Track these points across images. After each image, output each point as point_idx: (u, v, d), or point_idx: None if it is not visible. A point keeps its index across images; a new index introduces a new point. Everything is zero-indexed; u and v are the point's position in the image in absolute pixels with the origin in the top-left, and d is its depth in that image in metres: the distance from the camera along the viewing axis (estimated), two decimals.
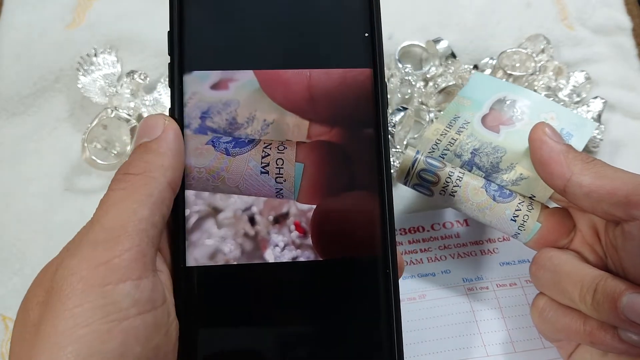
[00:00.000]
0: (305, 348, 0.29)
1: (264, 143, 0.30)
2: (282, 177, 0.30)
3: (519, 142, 0.38)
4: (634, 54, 0.55)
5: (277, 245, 0.29)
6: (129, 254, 0.25)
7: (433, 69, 0.52)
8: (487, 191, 0.38)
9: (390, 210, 0.30)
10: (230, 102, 0.30)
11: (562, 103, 0.50)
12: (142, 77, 0.49)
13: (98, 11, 0.55)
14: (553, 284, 0.35)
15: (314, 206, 0.30)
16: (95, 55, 0.51)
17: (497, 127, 0.40)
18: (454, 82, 0.50)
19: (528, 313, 0.41)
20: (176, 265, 0.29)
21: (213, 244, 0.29)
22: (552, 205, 0.38)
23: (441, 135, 0.40)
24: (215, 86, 0.30)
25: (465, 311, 0.43)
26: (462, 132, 0.40)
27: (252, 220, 0.30)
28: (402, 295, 0.44)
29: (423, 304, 0.44)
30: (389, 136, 0.46)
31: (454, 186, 0.38)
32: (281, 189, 0.30)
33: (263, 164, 0.30)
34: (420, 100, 0.51)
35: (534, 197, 0.38)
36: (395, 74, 0.51)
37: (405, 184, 0.39)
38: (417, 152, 0.39)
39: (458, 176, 0.38)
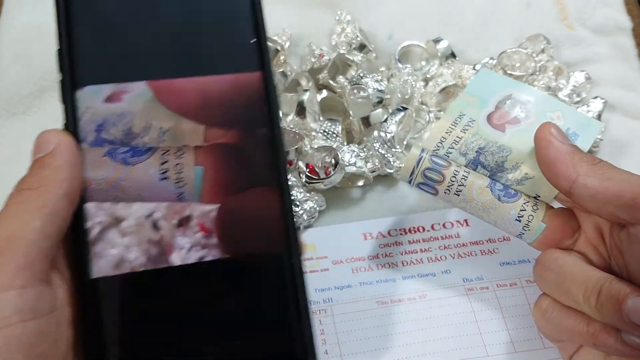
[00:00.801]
0: (219, 345, 0.29)
1: (162, 150, 0.30)
2: (182, 181, 0.30)
3: (525, 142, 0.38)
4: (634, 54, 0.55)
5: (182, 248, 0.30)
6: (14, 264, 0.25)
7: (433, 69, 0.52)
8: (492, 191, 0.38)
9: (289, 203, 0.30)
10: (125, 114, 0.30)
11: None
12: None
13: None
14: (557, 285, 0.35)
15: (217, 206, 0.30)
16: None
17: (502, 126, 0.39)
18: (454, 82, 0.50)
19: (528, 313, 0.41)
20: (81, 278, 0.29)
21: (118, 253, 0.29)
22: (557, 205, 0.38)
23: (446, 133, 0.39)
24: (109, 99, 0.30)
25: (465, 311, 0.43)
26: (467, 130, 0.39)
27: (155, 226, 0.30)
28: (402, 295, 0.44)
29: (423, 304, 0.44)
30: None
31: (459, 185, 0.38)
32: (182, 193, 0.30)
33: (162, 170, 0.30)
34: (420, 100, 0.51)
35: (539, 197, 0.38)
36: (395, 74, 0.51)
37: (409, 182, 0.39)
38: (422, 151, 0.39)
39: (463, 175, 0.38)
